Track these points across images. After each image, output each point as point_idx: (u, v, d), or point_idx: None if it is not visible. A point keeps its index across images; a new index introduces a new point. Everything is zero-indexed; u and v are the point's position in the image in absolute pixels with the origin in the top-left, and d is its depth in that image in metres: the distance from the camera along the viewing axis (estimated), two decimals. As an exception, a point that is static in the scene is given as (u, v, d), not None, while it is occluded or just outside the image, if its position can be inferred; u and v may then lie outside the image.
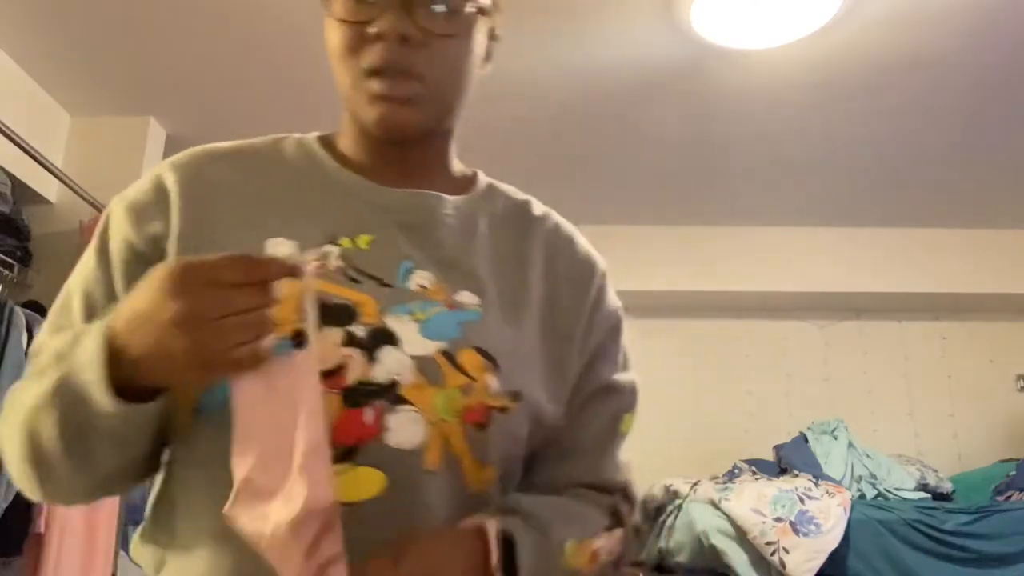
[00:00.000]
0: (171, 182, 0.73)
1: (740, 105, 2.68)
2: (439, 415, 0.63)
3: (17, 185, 2.44)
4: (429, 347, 0.65)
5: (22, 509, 2.01)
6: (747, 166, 3.14)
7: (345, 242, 0.69)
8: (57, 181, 2.52)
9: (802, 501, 2.65)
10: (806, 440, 3.30)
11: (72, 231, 2.52)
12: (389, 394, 0.62)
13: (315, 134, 0.87)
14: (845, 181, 3.26)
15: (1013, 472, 3.10)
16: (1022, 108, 2.68)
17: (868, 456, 3.24)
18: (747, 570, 2.53)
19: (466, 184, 0.86)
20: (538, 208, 0.90)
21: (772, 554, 2.50)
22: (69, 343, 0.62)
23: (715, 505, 2.70)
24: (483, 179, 0.90)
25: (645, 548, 3.12)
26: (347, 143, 0.84)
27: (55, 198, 2.64)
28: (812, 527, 2.55)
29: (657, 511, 3.08)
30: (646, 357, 4.33)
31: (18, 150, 2.23)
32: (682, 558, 2.71)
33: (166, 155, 2.98)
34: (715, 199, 3.46)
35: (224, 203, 0.72)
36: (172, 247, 0.69)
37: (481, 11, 0.76)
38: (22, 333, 2.09)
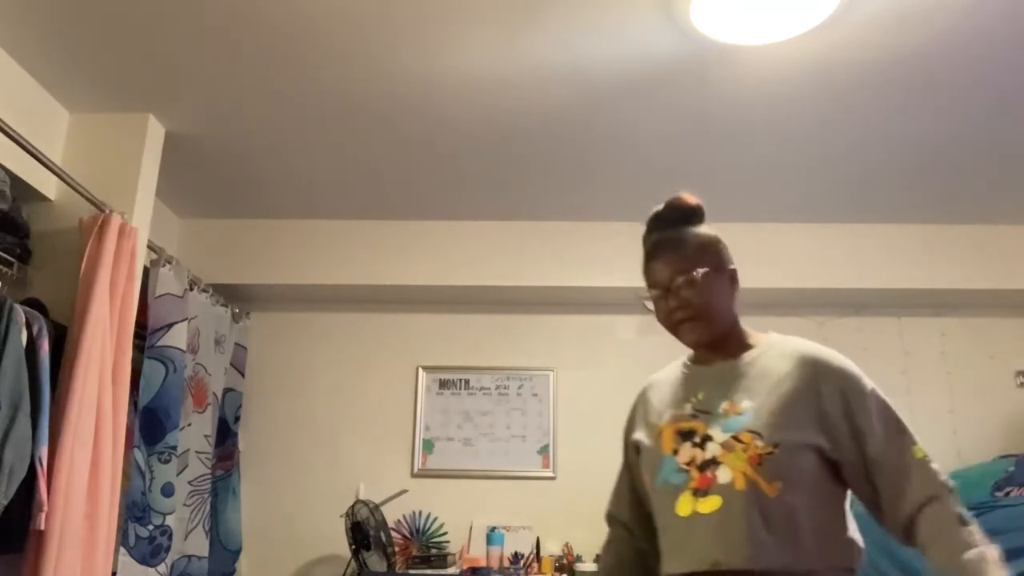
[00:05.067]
0: None
1: (739, 101, 2.68)
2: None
3: (16, 182, 2.44)
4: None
5: (23, 506, 2.01)
6: (746, 162, 3.14)
7: (695, 398, 1.39)
8: (56, 178, 2.52)
9: (802, 497, 2.65)
10: (806, 436, 3.30)
11: (71, 228, 2.52)
12: (714, 462, 1.27)
13: None
14: (844, 177, 3.26)
15: (1012, 468, 3.10)
16: (1021, 104, 2.68)
17: (867, 452, 3.24)
18: (747, 566, 2.54)
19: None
20: None
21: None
22: None
23: (715, 501, 2.70)
24: None
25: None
26: None
27: (54, 195, 2.64)
28: (812, 523, 2.55)
29: (657, 507, 3.08)
30: (646, 353, 4.37)
31: (17, 147, 2.23)
32: (682, 554, 2.71)
33: (165, 152, 3.00)
34: (714, 195, 3.45)
35: None
36: None
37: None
38: (21, 330, 2.09)
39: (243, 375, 3.66)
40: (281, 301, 3.93)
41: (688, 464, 1.28)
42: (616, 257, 3.67)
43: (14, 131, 2.16)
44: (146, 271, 2.84)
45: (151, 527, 2.68)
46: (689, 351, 1.47)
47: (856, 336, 3.87)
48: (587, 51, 2.41)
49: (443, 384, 3.82)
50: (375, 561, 3.13)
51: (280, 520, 3.64)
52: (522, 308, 3.89)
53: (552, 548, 3.48)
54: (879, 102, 2.68)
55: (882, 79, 2.53)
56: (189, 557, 3.05)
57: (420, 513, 3.59)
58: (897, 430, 1.30)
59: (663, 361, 4.44)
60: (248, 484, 3.65)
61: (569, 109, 2.75)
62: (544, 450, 3.70)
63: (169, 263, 2.93)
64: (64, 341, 2.30)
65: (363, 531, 3.11)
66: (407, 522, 3.57)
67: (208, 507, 3.21)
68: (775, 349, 1.40)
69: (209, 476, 3.21)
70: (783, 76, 2.53)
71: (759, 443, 1.23)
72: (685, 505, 1.26)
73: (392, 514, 3.49)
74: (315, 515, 3.61)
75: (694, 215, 1.53)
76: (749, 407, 1.28)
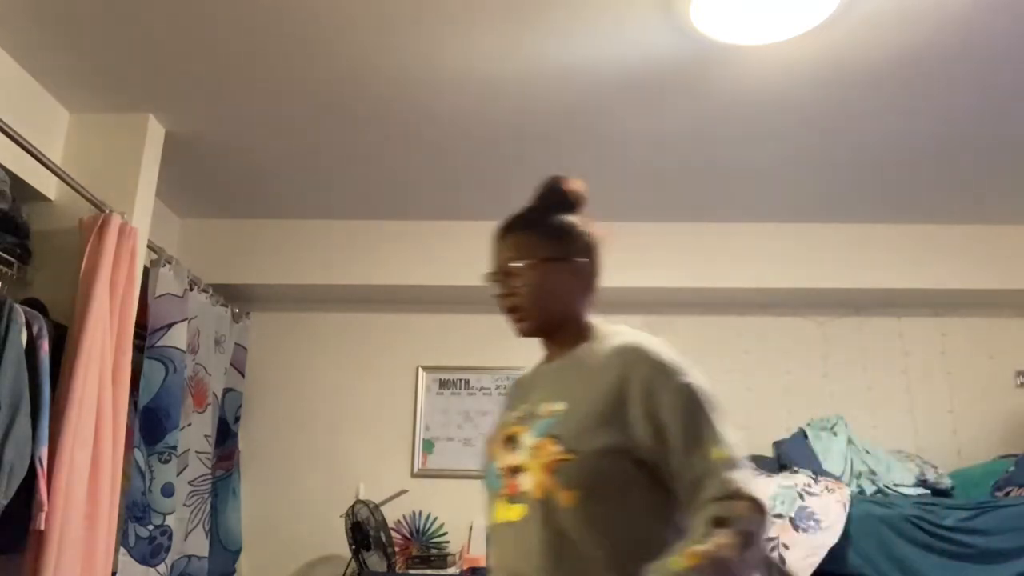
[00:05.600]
0: None
1: (739, 101, 2.68)
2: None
3: (16, 182, 2.44)
4: None
5: (23, 506, 2.01)
6: (746, 162, 3.14)
7: (529, 400, 1.30)
8: (56, 178, 2.52)
9: (802, 497, 2.65)
10: (805, 436, 3.31)
11: (71, 228, 2.52)
12: (520, 468, 1.19)
13: None
14: (844, 177, 3.26)
15: (1012, 468, 3.10)
16: (1020, 104, 2.68)
17: (867, 452, 3.24)
18: (747, 566, 2.53)
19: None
20: None
21: (772, 550, 2.50)
22: None
23: (715, 501, 2.70)
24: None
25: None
26: None
27: (54, 195, 2.64)
28: (812, 523, 2.55)
29: (657, 507, 3.08)
30: (646, 353, 4.25)
31: (17, 147, 2.23)
32: (682, 554, 2.71)
33: (165, 152, 3.00)
34: (714, 195, 3.46)
35: None
36: None
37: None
38: (21, 330, 2.09)
39: (243, 375, 3.66)
40: (281, 301, 3.93)
41: (503, 469, 1.21)
42: (616, 257, 3.65)
43: (14, 131, 2.16)
44: (146, 271, 2.84)
45: (151, 527, 2.68)
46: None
47: (856, 336, 3.87)
48: (587, 51, 2.41)
49: (443, 384, 3.82)
50: (375, 561, 3.13)
51: (280, 520, 3.64)
52: (522, 308, 3.89)
53: (552, 548, 3.47)
54: (879, 102, 2.68)
55: (882, 79, 2.53)
56: (189, 557, 3.05)
57: (420, 513, 3.59)
58: (695, 438, 1.13)
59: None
60: (248, 484, 3.65)
61: (569, 109, 2.75)
62: (544, 450, 3.70)
63: (169, 263, 2.93)
64: (64, 341, 2.30)
65: (363, 531, 3.11)
66: (407, 522, 3.57)
67: (208, 507, 3.21)
68: (602, 343, 1.28)
69: (209, 476, 3.21)
70: (783, 76, 2.53)
71: (557, 448, 1.14)
72: (499, 512, 1.20)
73: (392, 514, 3.49)
74: (315, 515, 3.61)
75: (564, 202, 1.47)
76: (561, 409, 1.19)
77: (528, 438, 1.19)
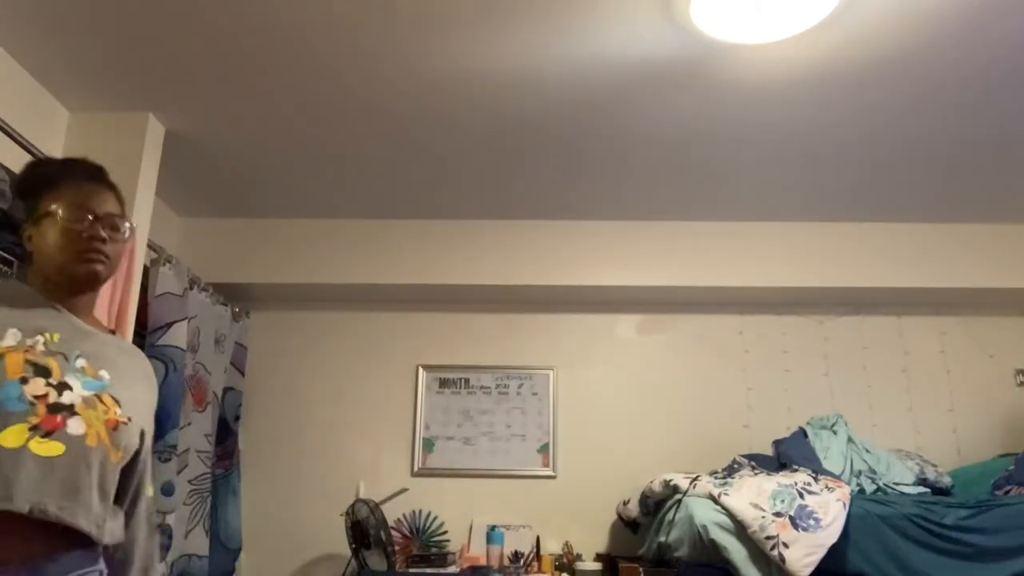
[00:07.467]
0: None
1: (739, 100, 2.68)
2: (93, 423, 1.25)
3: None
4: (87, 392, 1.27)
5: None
6: (746, 161, 3.14)
7: (47, 336, 1.26)
8: (56, 177, 2.51)
9: (801, 496, 2.65)
10: (805, 435, 3.31)
11: (71, 227, 2.52)
12: (69, 409, 1.22)
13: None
14: (844, 176, 3.26)
15: (1012, 467, 3.10)
16: (1020, 103, 2.68)
17: (867, 451, 3.25)
18: (747, 565, 2.54)
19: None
20: None
21: (771, 549, 2.50)
22: None
23: (714, 500, 2.70)
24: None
25: (645, 543, 3.12)
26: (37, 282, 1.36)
27: (54, 194, 2.63)
28: (811, 522, 2.55)
29: (657, 506, 3.08)
30: (646, 352, 4.38)
31: (17, 146, 2.23)
32: (682, 553, 2.71)
33: (165, 151, 3.00)
34: (714, 194, 3.46)
35: None
36: None
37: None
38: (22, 329, 2.08)
39: (243, 374, 3.66)
40: (281, 300, 3.93)
41: (37, 399, 1.18)
42: (616, 257, 3.67)
43: (14, 130, 2.16)
44: (146, 270, 2.84)
45: (151, 526, 2.68)
46: (29, 282, 1.36)
47: (856, 335, 3.87)
48: (587, 50, 2.41)
49: (443, 383, 3.82)
50: (375, 560, 3.13)
51: (280, 519, 3.64)
52: (522, 307, 3.90)
53: (552, 547, 3.48)
54: (879, 102, 2.68)
55: (882, 79, 2.53)
56: (189, 556, 3.05)
57: (420, 512, 3.59)
58: None
59: (663, 360, 4.46)
60: (248, 483, 3.66)
61: (569, 108, 2.75)
62: (544, 449, 3.70)
63: (169, 262, 2.93)
64: (64, 340, 2.29)
65: (363, 530, 3.11)
66: (407, 521, 3.58)
67: (208, 506, 3.21)
68: (119, 337, 1.45)
69: (209, 475, 3.21)
70: (783, 75, 2.53)
71: (117, 411, 1.28)
72: (14, 437, 1.14)
73: (392, 513, 3.50)
74: (315, 514, 3.62)
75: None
76: (107, 376, 1.30)
77: (77, 386, 1.25)
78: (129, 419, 1.30)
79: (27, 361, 1.20)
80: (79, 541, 1.20)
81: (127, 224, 1.41)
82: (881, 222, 3.70)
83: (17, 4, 2.23)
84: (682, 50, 2.39)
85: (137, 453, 1.37)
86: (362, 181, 3.37)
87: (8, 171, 2.38)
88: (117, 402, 1.29)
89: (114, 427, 1.26)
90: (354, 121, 2.85)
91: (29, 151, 2.26)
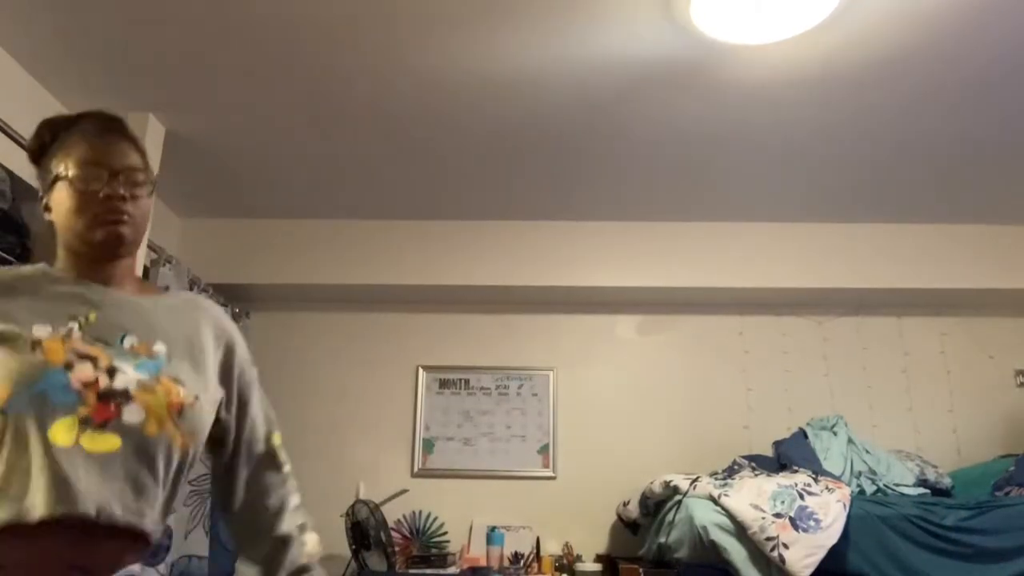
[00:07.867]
0: None
1: (739, 101, 2.68)
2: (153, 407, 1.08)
3: (16, 182, 2.44)
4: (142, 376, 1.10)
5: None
6: (746, 161, 3.14)
7: (81, 321, 1.10)
8: (56, 178, 2.51)
9: (801, 497, 2.65)
10: (805, 436, 3.31)
11: (71, 228, 2.52)
12: (124, 395, 1.05)
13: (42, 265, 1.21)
14: (844, 177, 3.26)
15: (1012, 468, 3.10)
16: (1020, 104, 2.68)
17: (867, 452, 3.24)
18: (747, 565, 2.54)
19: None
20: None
21: (771, 550, 2.50)
22: None
23: (715, 501, 2.70)
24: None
25: (645, 544, 3.12)
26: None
27: (54, 195, 2.63)
28: (811, 523, 2.55)
29: (657, 507, 3.08)
30: (646, 353, 4.37)
31: (17, 147, 2.23)
32: (682, 553, 2.71)
33: (165, 151, 3.00)
34: (713, 194, 3.46)
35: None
36: None
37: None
38: (22, 330, 2.08)
39: (243, 375, 3.66)
40: (281, 301, 3.93)
41: (86, 387, 1.02)
42: (616, 257, 3.67)
43: (14, 131, 2.16)
44: (146, 271, 2.84)
45: (151, 527, 2.68)
46: (58, 256, 1.20)
47: (856, 336, 3.87)
48: (587, 50, 2.41)
49: (443, 384, 3.82)
50: (375, 561, 3.13)
51: (280, 520, 3.63)
52: (522, 308, 3.90)
53: (552, 548, 3.48)
54: (879, 102, 2.68)
55: (882, 79, 2.53)
56: (189, 557, 3.05)
57: (420, 513, 3.59)
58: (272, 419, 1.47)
59: (663, 361, 4.45)
60: (248, 484, 3.65)
61: (569, 109, 2.75)
62: (544, 450, 3.70)
63: (169, 263, 2.93)
64: (64, 341, 2.29)
65: (363, 531, 3.11)
66: (407, 522, 3.57)
67: (208, 507, 3.21)
68: (171, 294, 1.30)
69: (209, 476, 3.20)
70: (783, 76, 2.53)
71: (181, 391, 1.10)
72: (64, 432, 0.99)
73: (392, 514, 3.49)
74: (315, 515, 3.56)
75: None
76: (163, 351, 1.13)
77: (129, 369, 1.08)
78: (196, 397, 1.13)
79: (68, 349, 1.04)
80: (138, 545, 1.06)
81: (145, 175, 1.22)
82: (881, 222, 3.70)
83: (17, 4, 2.23)
84: (682, 51, 2.39)
85: (223, 422, 1.27)
86: (362, 181, 3.37)
87: (8, 171, 2.38)
88: (179, 381, 1.11)
89: (179, 410, 1.09)
90: (354, 121, 2.85)
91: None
